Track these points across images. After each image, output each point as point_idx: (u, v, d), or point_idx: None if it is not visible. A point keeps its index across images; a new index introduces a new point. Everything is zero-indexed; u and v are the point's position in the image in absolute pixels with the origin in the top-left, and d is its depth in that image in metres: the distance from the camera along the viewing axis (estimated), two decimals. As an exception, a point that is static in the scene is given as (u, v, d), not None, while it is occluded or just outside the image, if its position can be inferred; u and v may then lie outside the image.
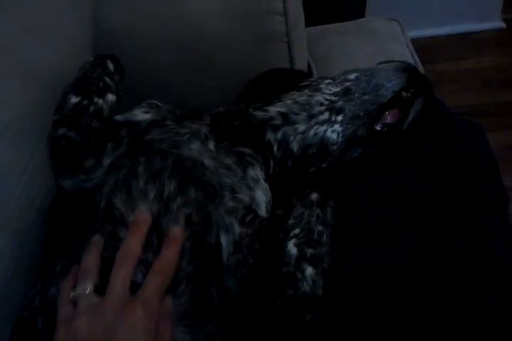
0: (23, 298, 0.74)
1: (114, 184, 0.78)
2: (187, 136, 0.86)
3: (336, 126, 0.91)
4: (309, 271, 0.70)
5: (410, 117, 0.94)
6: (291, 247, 0.72)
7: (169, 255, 0.71)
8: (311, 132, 0.91)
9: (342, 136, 0.91)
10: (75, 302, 0.65)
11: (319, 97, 0.94)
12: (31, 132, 0.78)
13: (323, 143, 0.91)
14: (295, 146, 0.92)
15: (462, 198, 0.90)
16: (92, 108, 0.79)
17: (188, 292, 0.72)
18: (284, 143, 0.92)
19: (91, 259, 0.69)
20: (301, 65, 1.15)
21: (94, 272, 0.68)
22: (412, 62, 1.25)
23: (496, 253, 0.83)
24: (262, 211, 0.85)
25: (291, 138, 0.92)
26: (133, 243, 0.70)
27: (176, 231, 0.74)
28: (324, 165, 0.94)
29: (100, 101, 0.80)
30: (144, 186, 0.77)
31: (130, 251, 0.69)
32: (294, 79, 1.04)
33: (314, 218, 0.75)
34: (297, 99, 0.94)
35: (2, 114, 0.73)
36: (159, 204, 0.76)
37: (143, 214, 0.74)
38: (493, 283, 0.79)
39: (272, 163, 0.93)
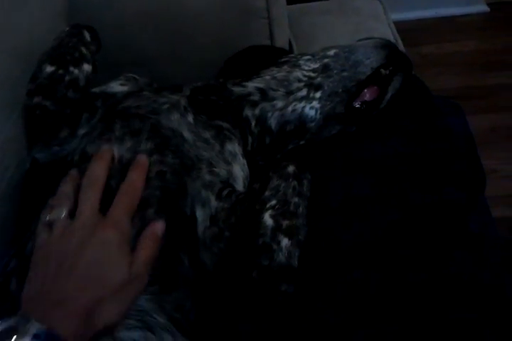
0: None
1: (86, 141, 0.78)
2: (166, 106, 0.85)
3: (314, 103, 0.90)
4: (285, 242, 0.71)
5: (389, 95, 0.93)
6: (267, 218, 0.73)
7: (135, 177, 0.71)
8: (289, 108, 0.91)
9: (320, 113, 0.90)
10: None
11: (298, 73, 0.93)
12: (1, 104, 0.77)
13: (301, 119, 0.90)
14: (273, 122, 0.91)
15: (439, 175, 0.90)
16: (67, 77, 0.79)
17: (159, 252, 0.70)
18: (261, 120, 0.91)
19: (67, 187, 0.69)
20: (281, 42, 1.14)
21: (69, 198, 0.68)
22: (393, 40, 1.24)
23: (471, 231, 0.83)
24: (240, 186, 0.85)
25: (269, 114, 0.91)
26: (97, 169, 0.71)
27: (143, 158, 0.74)
28: (302, 142, 0.94)
29: (76, 70, 0.80)
30: (121, 135, 0.77)
31: (95, 176, 0.70)
32: (274, 55, 1.03)
33: (291, 190, 0.75)
34: (276, 75, 0.93)
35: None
36: (132, 155, 0.75)
37: (105, 148, 0.75)
38: (466, 261, 0.80)
39: (249, 139, 0.92)
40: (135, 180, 0.71)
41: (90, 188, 0.68)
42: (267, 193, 0.76)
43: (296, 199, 0.74)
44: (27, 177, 0.82)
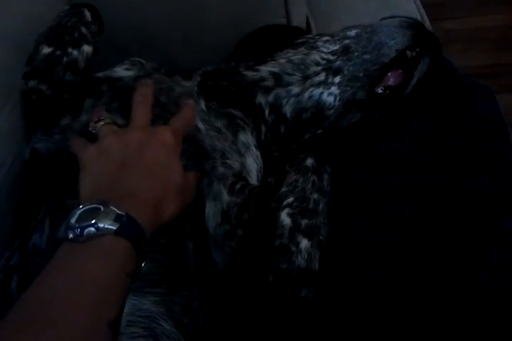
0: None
1: None
2: (179, 92, 0.82)
3: (333, 89, 0.85)
4: (304, 243, 0.66)
5: (415, 79, 0.87)
6: (285, 217, 0.68)
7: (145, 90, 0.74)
8: (306, 95, 0.85)
9: (339, 100, 0.85)
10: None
11: (315, 56, 0.87)
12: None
13: (319, 106, 0.85)
14: (288, 110, 0.86)
15: (469, 169, 0.84)
16: (65, 59, 0.74)
17: (163, 248, 0.68)
18: (276, 107, 0.86)
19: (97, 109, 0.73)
20: (298, 21, 1.07)
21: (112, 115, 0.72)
22: (419, 18, 1.17)
23: (503, 230, 0.77)
24: (253, 179, 0.81)
25: (284, 101, 0.86)
26: (146, 89, 0.74)
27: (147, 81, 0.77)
28: (320, 131, 0.88)
29: (75, 52, 0.75)
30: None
31: (145, 94, 0.73)
32: (290, 36, 0.97)
33: (310, 185, 0.70)
34: (291, 58, 0.88)
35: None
36: None
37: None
38: (499, 265, 0.74)
39: (263, 128, 0.87)
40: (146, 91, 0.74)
41: (143, 104, 0.71)
42: (283, 189, 0.71)
43: (315, 196, 0.69)
44: (27, 170, 0.78)
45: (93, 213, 0.53)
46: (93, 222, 0.52)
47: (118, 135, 0.66)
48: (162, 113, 0.76)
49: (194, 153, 0.75)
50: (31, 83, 0.73)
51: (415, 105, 0.89)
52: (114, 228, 0.52)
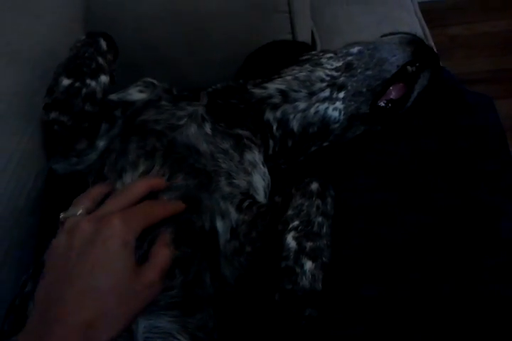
0: (14, 287, 0.73)
1: (104, 162, 0.78)
2: (184, 120, 0.83)
3: (338, 104, 0.88)
4: (308, 265, 0.68)
5: (416, 92, 0.90)
6: (290, 240, 0.70)
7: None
8: (312, 110, 0.88)
9: (344, 114, 0.88)
10: None
11: (320, 73, 0.90)
12: (18, 116, 0.76)
13: (325, 121, 0.88)
14: (295, 125, 0.89)
15: (470, 175, 0.87)
16: (84, 90, 0.76)
17: (179, 280, 0.70)
18: (283, 122, 0.89)
19: (89, 192, 0.70)
20: (303, 36, 1.10)
21: (88, 198, 0.68)
22: (420, 30, 1.20)
23: (502, 238, 0.80)
24: (261, 196, 0.83)
25: (291, 116, 0.89)
26: (139, 186, 0.71)
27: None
28: (326, 144, 0.91)
29: (93, 83, 0.77)
30: (135, 159, 0.76)
31: (133, 189, 0.70)
32: (295, 51, 1.00)
33: (314, 209, 0.72)
34: (297, 75, 0.91)
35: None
36: None
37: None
38: (497, 270, 0.77)
39: (271, 142, 0.90)
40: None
41: (120, 196, 0.69)
42: (289, 212, 0.73)
43: (319, 219, 0.71)
44: (46, 190, 0.82)
45: None
46: None
47: (68, 234, 0.63)
48: (156, 142, 0.79)
49: (192, 184, 0.76)
50: (53, 115, 0.75)
51: (415, 119, 0.92)
52: None
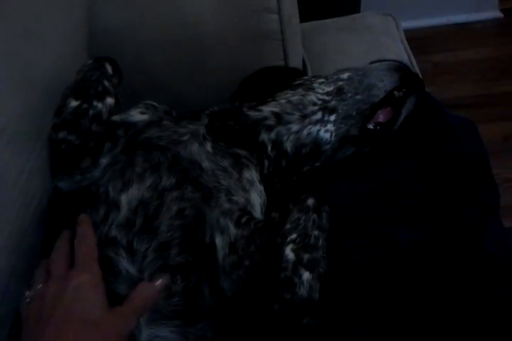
0: (20, 299, 0.74)
1: (109, 176, 0.80)
2: (186, 136, 0.87)
3: (329, 126, 0.92)
4: (306, 275, 0.72)
5: (402, 116, 0.95)
6: (289, 252, 0.73)
7: (83, 229, 0.74)
8: (305, 132, 0.93)
9: (335, 136, 0.92)
10: None
11: (312, 97, 0.95)
12: (27, 135, 0.79)
13: (317, 142, 0.93)
14: (289, 146, 0.93)
15: (453, 196, 0.91)
16: (91, 112, 0.80)
17: (180, 287, 0.73)
18: (277, 143, 0.93)
19: (40, 264, 0.73)
20: (295, 62, 1.15)
21: (41, 272, 0.71)
22: (406, 57, 1.25)
23: (484, 250, 0.84)
24: (257, 212, 0.87)
25: (285, 137, 0.93)
26: (63, 238, 0.75)
27: (83, 216, 0.76)
28: (317, 164, 0.95)
29: (99, 104, 0.81)
30: (141, 172, 0.79)
31: (62, 239, 0.74)
32: (288, 76, 1.05)
33: (311, 223, 0.76)
34: (290, 99, 0.95)
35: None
36: (153, 192, 0.78)
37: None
38: (481, 280, 0.81)
39: (266, 162, 0.94)
40: (84, 230, 0.74)
41: (57, 252, 0.73)
42: (287, 226, 0.76)
43: (316, 232, 0.75)
44: (51, 206, 0.84)
45: None
46: None
47: (37, 298, 0.67)
48: (161, 156, 0.82)
49: (198, 198, 0.80)
50: (61, 134, 0.79)
51: (402, 141, 0.97)
52: None
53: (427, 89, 1.03)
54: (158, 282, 0.71)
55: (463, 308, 0.79)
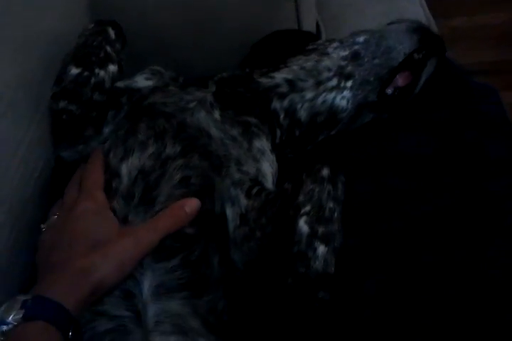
0: (23, 270, 0.74)
1: (111, 142, 0.78)
2: (193, 103, 0.84)
3: (346, 93, 0.88)
4: (321, 249, 0.69)
5: (423, 79, 0.90)
6: (302, 225, 0.71)
7: (93, 160, 0.77)
8: (320, 99, 0.88)
9: (352, 103, 0.88)
10: None
11: (327, 62, 0.90)
12: (25, 103, 0.76)
13: (332, 110, 0.88)
14: (302, 114, 0.89)
15: (476, 164, 0.87)
16: (93, 80, 0.77)
17: (181, 258, 0.71)
18: (290, 112, 0.89)
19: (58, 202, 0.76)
20: (309, 25, 1.10)
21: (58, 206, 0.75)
22: (425, 20, 1.20)
23: (508, 223, 0.81)
24: (269, 183, 0.84)
25: (299, 106, 0.89)
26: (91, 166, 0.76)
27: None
28: (333, 133, 0.91)
29: (102, 72, 0.78)
30: (144, 139, 0.77)
31: (88, 171, 0.75)
32: (301, 41, 1.00)
33: (325, 195, 0.73)
34: (304, 65, 0.91)
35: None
36: (155, 161, 0.75)
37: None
38: (504, 254, 0.78)
39: (278, 132, 0.90)
40: (94, 160, 0.76)
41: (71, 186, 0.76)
42: (300, 198, 0.73)
43: (331, 204, 0.72)
44: (53, 176, 0.82)
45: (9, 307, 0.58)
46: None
47: (53, 225, 0.72)
48: (166, 124, 0.79)
49: (206, 166, 0.77)
50: (61, 104, 0.77)
51: (422, 106, 0.92)
52: (19, 316, 0.56)
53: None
54: (189, 203, 0.71)
55: (482, 283, 0.76)
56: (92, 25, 0.84)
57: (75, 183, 0.75)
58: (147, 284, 0.68)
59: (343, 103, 0.88)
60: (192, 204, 0.71)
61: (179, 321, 0.68)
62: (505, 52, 2.08)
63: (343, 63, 0.89)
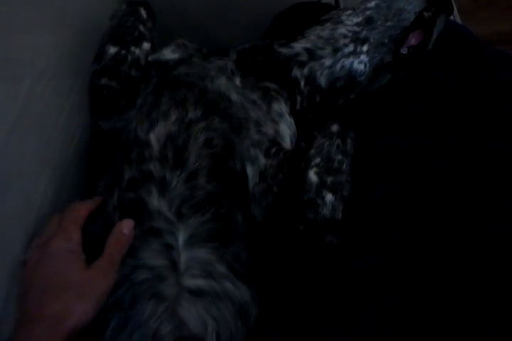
0: None
1: (137, 120, 0.83)
2: (214, 71, 0.88)
3: (363, 57, 0.91)
4: (329, 197, 0.74)
5: (434, 36, 0.93)
6: (312, 175, 0.76)
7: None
8: (338, 66, 0.92)
9: (369, 66, 0.92)
10: None
11: (342, 30, 0.94)
12: (65, 76, 0.82)
13: (351, 75, 0.92)
14: (323, 81, 0.93)
15: (486, 126, 0.89)
16: (129, 57, 0.83)
17: (211, 213, 0.76)
18: (311, 79, 0.93)
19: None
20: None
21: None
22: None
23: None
24: (287, 143, 0.88)
25: (318, 73, 0.93)
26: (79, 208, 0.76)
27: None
28: (352, 96, 0.95)
29: (137, 50, 0.84)
30: (166, 110, 0.81)
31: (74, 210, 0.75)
32: (320, 13, 1.03)
33: (334, 148, 0.78)
34: (321, 34, 0.95)
35: (37, 60, 0.77)
36: (179, 125, 0.80)
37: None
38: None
39: (298, 98, 0.94)
40: (76, 204, 0.76)
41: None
42: (311, 151, 0.79)
43: (339, 157, 0.77)
44: (91, 142, 0.89)
45: None
46: None
47: (27, 263, 0.71)
48: (187, 92, 0.84)
49: (226, 128, 0.82)
50: (103, 81, 0.83)
51: (436, 71, 0.94)
52: None
53: (464, 24, 1.00)
54: (125, 225, 0.72)
55: (495, 243, 0.78)
56: (124, 6, 0.90)
57: (58, 218, 0.74)
58: (182, 236, 0.74)
59: (361, 67, 0.91)
60: (128, 226, 0.72)
61: (208, 267, 0.74)
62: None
63: (357, 29, 0.92)
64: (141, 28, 0.87)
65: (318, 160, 0.77)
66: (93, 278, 0.67)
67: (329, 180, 0.75)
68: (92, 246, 0.72)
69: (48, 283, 0.66)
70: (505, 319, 0.72)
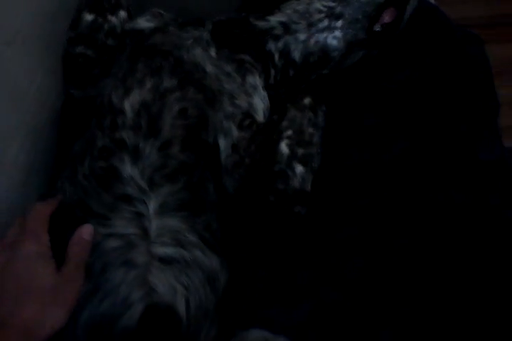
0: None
1: (112, 85, 0.82)
2: (190, 41, 0.88)
3: (337, 32, 0.92)
4: (299, 168, 0.77)
5: (407, 14, 0.94)
6: (283, 147, 0.79)
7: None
8: (312, 40, 0.93)
9: (343, 42, 0.92)
10: None
11: (317, 5, 0.94)
12: (39, 37, 0.80)
13: (325, 50, 0.93)
14: (297, 55, 0.93)
15: (451, 105, 0.93)
16: (106, 26, 0.83)
17: (183, 182, 0.76)
18: (285, 53, 0.94)
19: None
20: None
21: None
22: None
23: (480, 160, 0.87)
24: (260, 116, 0.88)
25: (293, 47, 0.93)
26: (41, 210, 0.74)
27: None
28: (325, 72, 0.96)
29: (113, 18, 0.84)
30: (141, 77, 0.81)
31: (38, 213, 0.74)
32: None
33: (306, 121, 0.81)
34: (296, 8, 0.95)
35: (10, 23, 0.76)
36: (154, 94, 0.79)
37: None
38: (473, 189, 0.84)
39: (272, 72, 0.94)
40: (41, 205, 0.75)
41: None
42: (283, 123, 0.81)
43: (311, 130, 0.80)
44: (63, 110, 0.87)
45: None
46: None
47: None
48: (163, 61, 0.84)
49: (201, 99, 0.82)
50: (79, 49, 0.83)
51: (406, 49, 0.97)
52: None
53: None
54: (85, 231, 0.72)
55: (469, 217, 0.83)
56: None
57: (21, 219, 0.73)
58: (153, 205, 0.74)
59: (335, 42, 0.92)
60: (87, 231, 0.72)
61: (178, 235, 0.74)
62: (498, 6, 2.04)
63: (332, 4, 0.93)
64: None
65: (289, 132, 0.80)
66: (64, 283, 0.67)
67: (300, 152, 0.78)
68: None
69: (19, 287, 0.66)
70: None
